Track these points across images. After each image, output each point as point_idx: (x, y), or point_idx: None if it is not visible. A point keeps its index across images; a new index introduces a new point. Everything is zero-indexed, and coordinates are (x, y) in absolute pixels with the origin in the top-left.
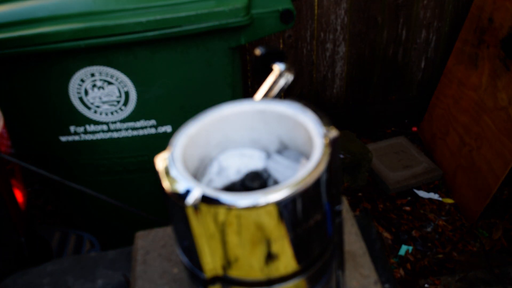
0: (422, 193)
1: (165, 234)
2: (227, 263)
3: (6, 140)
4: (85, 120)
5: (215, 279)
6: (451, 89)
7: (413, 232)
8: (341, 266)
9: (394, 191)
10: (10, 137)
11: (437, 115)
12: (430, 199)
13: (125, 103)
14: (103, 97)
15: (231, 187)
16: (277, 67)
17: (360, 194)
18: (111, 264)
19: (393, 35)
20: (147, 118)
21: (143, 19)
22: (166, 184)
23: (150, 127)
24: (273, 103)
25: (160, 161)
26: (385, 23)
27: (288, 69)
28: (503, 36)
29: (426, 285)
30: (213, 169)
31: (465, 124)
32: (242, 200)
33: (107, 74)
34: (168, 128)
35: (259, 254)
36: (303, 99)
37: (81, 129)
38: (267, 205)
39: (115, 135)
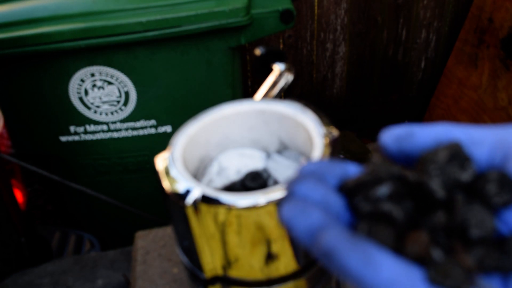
0: None
1: (165, 234)
2: (227, 263)
3: (6, 140)
4: (85, 120)
5: (215, 279)
6: (451, 89)
7: None
8: None
9: None
10: (10, 137)
11: (437, 115)
12: None
13: (125, 103)
14: (103, 97)
15: (231, 187)
16: (277, 67)
17: None
18: (111, 264)
19: (393, 35)
20: (147, 118)
21: (143, 19)
22: (166, 184)
23: (150, 127)
24: (273, 103)
25: (160, 161)
26: (385, 23)
27: (288, 69)
28: (503, 36)
29: None
30: (213, 169)
31: (465, 124)
32: (242, 200)
33: (107, 74)
34: (168, 128)
35: (259, 254)
36: (303, 99)
37: (81, 129)
38: (267, 205)
39: (115, 135)
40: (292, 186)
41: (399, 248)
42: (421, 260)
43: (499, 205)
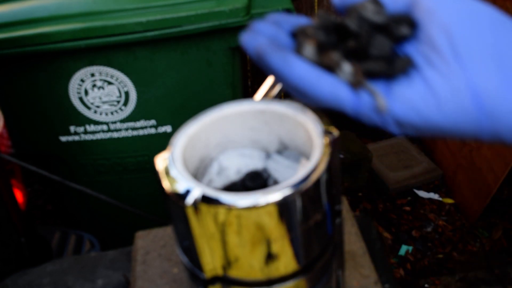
0: (422, 193)
1: (165, 234)
2: (227, 263)
3: (6, 140)
4: (85, 120)
5: (215, 279)
6: None
7: (413, 232)
8: (341, 266)
9: (394, 191)
10: (10, 137)
11: None
12: (430, 199)
13: (125, 103)
14: (103, 97)
15: (231, 187)
16: None
17: (360, 194)
18: (111, 264)
19: None
20: (147, 118)
21: (143, 19)
22: (166, 184)
23: (150, 127)
24: (273, 103)
25: (160, 161)
26: None
27: None
28: None
29: (426, 285)
30: (213, 169)
31: None
32: (242, 200)
33: (107, 74)
34: (168, 128)
35: (259, 254)
36: None
37: (81, 129)
38: (267, 205)
39: (115, 135)
40: (253, 24)
41: (319, 62)
42: (332, 69)
43: (399, 37)
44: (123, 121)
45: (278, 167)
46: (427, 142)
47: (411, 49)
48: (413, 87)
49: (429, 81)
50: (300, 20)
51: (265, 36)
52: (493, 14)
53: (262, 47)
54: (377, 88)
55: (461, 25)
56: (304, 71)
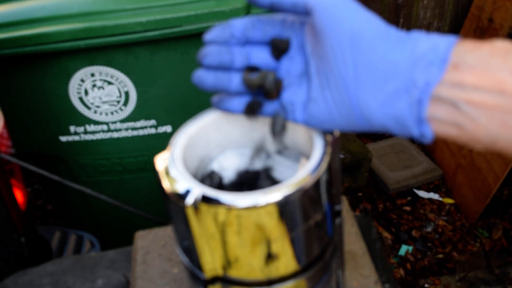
0: (422, 193)
1: (165, 234)
2: (227, 263)
3: (6, 140)
4: (85, 120)
5: (215, 279)
6: None
7: (413, 232)
8: (341, 266)
9: (394, 191)
10: (10, 137)
11: None
12: (430, 199)
13: (125, 103)
14: (103, 97)
15: (231, 187)
16: None
17: (360, 194)
18: (111, 264)
19: None
20: (147, 118)
21: (143, 19)
22: (166, 184)
23: (150, 127)
24: None
25: (160, 161)
26: None
27: None
28: (503, 36)
29: (426, 285)
30: (213, 169)
31: None
32: (242, 200)
33: (107, 74)
34: (168, 128)
35: (259, 254)
36: None
37: (81, 129)
38: (267, 205)
39: (115, 135)
40: (200, 58)
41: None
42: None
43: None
44: (123, 121)
45: (278, 167)
46: None
47: (315, 62)
48: (317, 107)
49: (327, 102)
50: (234, 28)
51: (212, 68)
52: (375, 30)
53: (213, 101)
54: (297, 105)
55: (346, 47)
56: (239, 109)
